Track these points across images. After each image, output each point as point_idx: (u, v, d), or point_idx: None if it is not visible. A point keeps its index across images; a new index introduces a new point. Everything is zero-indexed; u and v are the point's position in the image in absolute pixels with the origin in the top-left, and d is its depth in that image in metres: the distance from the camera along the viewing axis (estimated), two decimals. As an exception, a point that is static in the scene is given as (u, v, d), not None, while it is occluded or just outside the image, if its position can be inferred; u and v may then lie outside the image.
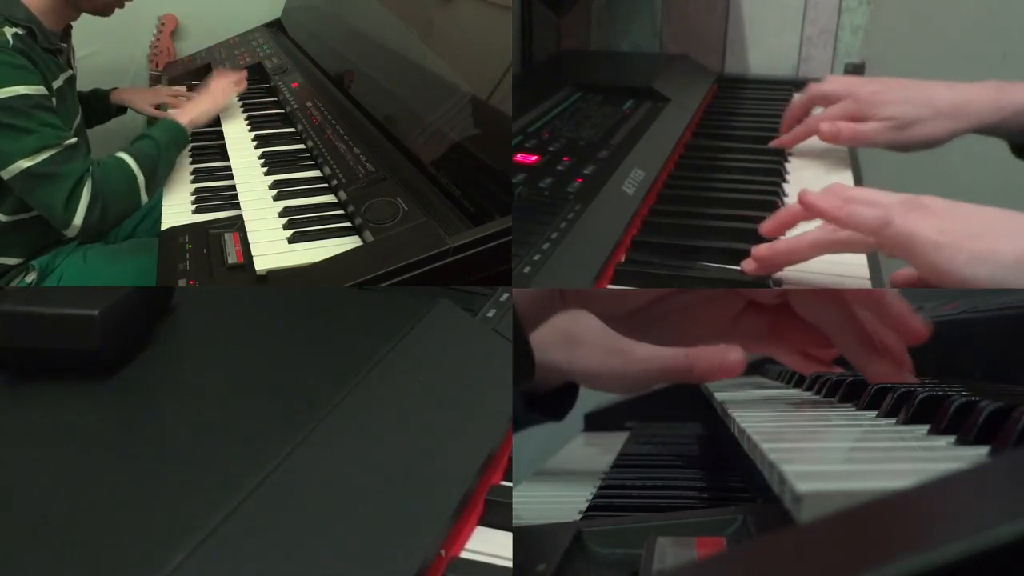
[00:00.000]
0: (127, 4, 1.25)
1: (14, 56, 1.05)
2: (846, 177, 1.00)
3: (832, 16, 1.56)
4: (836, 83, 1.02)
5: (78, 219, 1.06)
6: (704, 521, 0.51)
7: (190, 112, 1.26)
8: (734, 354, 0.69)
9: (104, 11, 1.23)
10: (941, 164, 1.05)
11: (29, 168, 1.04)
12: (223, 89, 1.36)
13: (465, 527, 0.55)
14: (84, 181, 1.06)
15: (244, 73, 1.47)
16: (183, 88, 1.67)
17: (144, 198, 1.12)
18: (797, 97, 1.07)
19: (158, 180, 1.14)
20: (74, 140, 1.08)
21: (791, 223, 0.72)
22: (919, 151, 0.94)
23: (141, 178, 1.10)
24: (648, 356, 0.71)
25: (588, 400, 1.34)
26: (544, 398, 0.88)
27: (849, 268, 0.74)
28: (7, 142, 1.04)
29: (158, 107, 1.52)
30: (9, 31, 1.06)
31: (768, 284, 0.72)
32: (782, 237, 0.72)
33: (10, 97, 1.03)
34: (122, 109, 1.53)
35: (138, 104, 1.52)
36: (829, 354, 0.75)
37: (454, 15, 1.17)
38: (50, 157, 1.04)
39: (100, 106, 1.49)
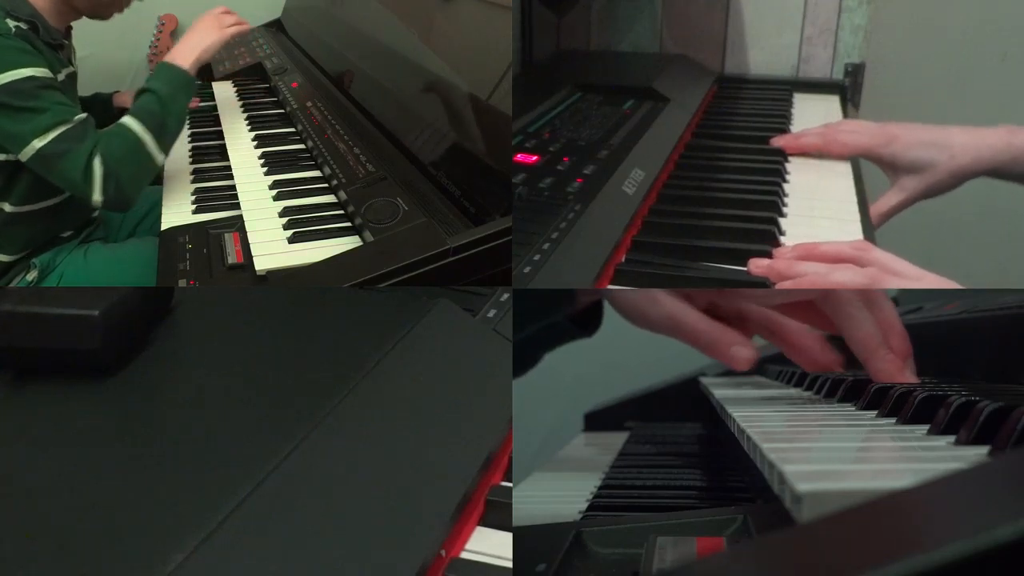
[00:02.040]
0: (126, 9, 1.25)
1: (16, 41, 1.05)
2: (846, 176, 1.00)
3: (832, 16, 1.56)
4: (854, 124, 1.05)
5: (97, 193, 1.04)
6: (704, 521, 0.51)
7: (191, 50, 1.15)
8: (745, 351, 0.70)
9: (101, 13, 1.23)
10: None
11: (41, 148, 1.03)
12: (225, 19, 1.22)
13: (465, 527, 0.55)
14: (94, 156, 1.04)
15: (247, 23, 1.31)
16: None
17: (159, 158, 1.07)
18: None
19: (169, 133, 1.09)
20: (84, 116, 1.06)
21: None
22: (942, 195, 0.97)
23: (149, 138, 1.06)
24: (672, 312, 0.72)
25: (588, 400, 1.34)
26: (574, 315, 0.88)
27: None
28: (20, 124, 1.03)
29: None
30: (12, 23, 1.06)
31: (768, 284, 0.72)
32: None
33: (16, 80, 1.03)
34: (124, 112, 1.52)
35: None
36: (835, 357, 0.77)
37: (454, 15, 1.17)
38: (62, 134, 1.03)
39: (101, 110, 1.49)
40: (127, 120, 1.08)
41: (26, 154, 1.04)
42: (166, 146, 1.09)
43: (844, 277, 0.66)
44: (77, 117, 1.06)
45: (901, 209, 0.97)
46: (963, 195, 0.98)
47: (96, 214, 1.31)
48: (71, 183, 1.06)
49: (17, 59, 1.04)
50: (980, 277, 0.66)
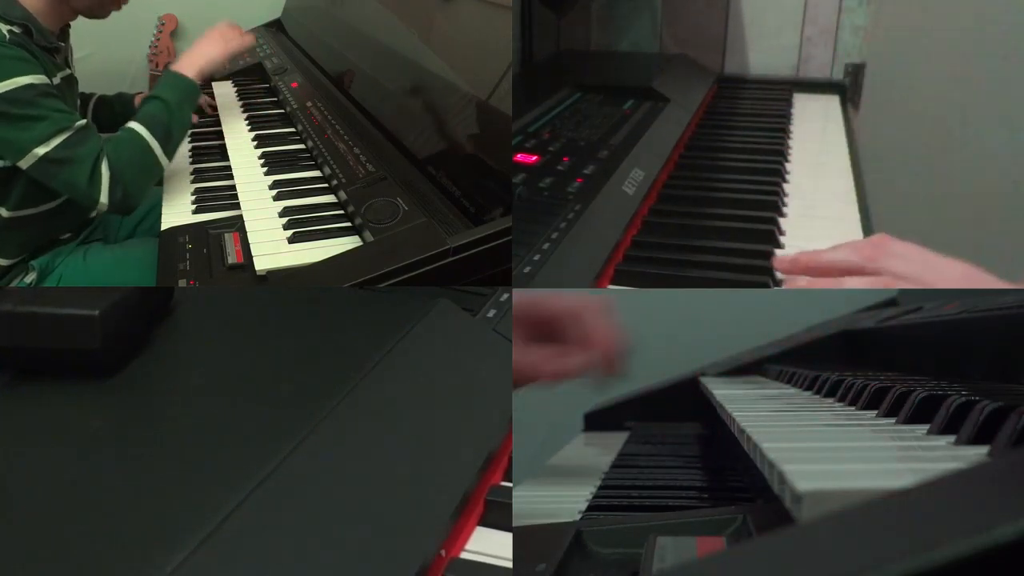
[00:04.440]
0: (124, 6, 1.25)
1: (12, 49, 1.05)
2: (846, 176, 1.00)
3: (832, 16, 1.56)
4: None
5: (104, 196, 1.06)
6: (704, 521, 0.51)
7: (197, 61, 1.20)
8: (573, 359, 0.73)
9: (99, 13, 1.23)
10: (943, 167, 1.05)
11: (46, 154, 1.04)
12: (229, 33, 1.28)
13: (465, 527, 0.55)
14: (100, 159, 1.05)
15: (251, 36, 1.38)
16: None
17: (164, 163, 1.11)
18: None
19: (174, 141, 1.12)
20: (84, 122, 1.08)
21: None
22: None
23: (155, 144, 1.09)
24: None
25: (588, 400, 1.34)
26: None
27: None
28: (19, 132, 1.04)
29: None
30: (4, 27, 1.06)
31: (768, 284, 0.72)
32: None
33: (15, 88, 1.03)
34: None
35: None
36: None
37: (454, 15, 1.17)
38: (64, 141, 1.04)
39: (124, 110, 1.49)
40: (134, 125, 1.10)
41: (27, 161, 1.05)
42: (171, 152, 1.12)
43: (857, 284, 0.65)
44: (77, 123, 1.06)
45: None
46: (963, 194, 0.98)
47: (94, 215, 1.31)
48: (75, 188, 1.07)
49: (15, 67, 1.04)
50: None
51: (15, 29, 1.08)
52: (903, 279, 0.63)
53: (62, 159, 1.05)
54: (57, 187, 1.09)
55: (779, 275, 0.72)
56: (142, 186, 1.10)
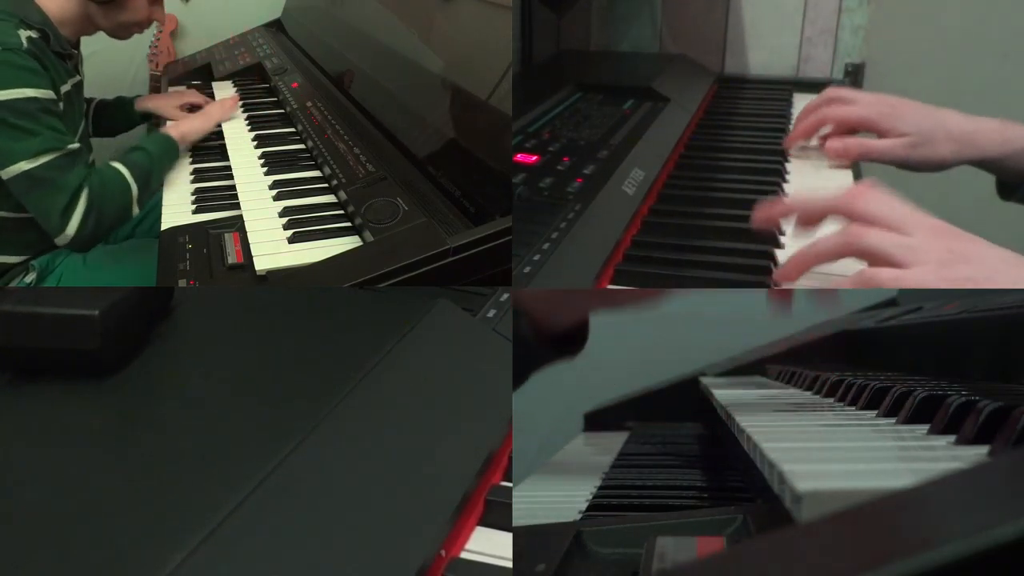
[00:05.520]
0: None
1: (25, 59, 1.05)
2: (846, 176, 1.00)
3: (832, 16, 1.56)
4: (853, 93, 1.03)
5: (71, 228, 1.06)
6: (704, 521, 0.51)
7: (182, 127, 1.26)
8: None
9: (121, 35, 1.24)
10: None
11: (29, 170, 1.04)
12: (217, 110, 1.36)
13: (465, 527, 0.55)
14: (82, 189, 1.06)
15: (235, 97, 1.47)
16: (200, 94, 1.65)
17: (136, 210, 1.13)
18: (814, 99, 1.06)
19: (150, 192, 1.15)
20: (76, 146, 1.08)
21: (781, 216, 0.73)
22: (924, 172, 0.95)
23: (135, 189, 1.11)
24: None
25: (588, 400, 1.34)
26: (557, 337, 0.84)
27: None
28: (10, 142, 1.04)
29: (187, 108, 1.50)
30: (24, 34, 1.07)
31: (769, 284, 0.72)
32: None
33: (18, 99, 1.03)
34: (147, 116, 1.52)
35: (164, 109, 1.49)
36: None
37: (454, 15, 1.17)
38: (51, 161, 1.05)
39: (124, 114, 1.49)
40: (119, 166, 1.12)
41: (9, 172, 1.05)
42: (143, 201, 1.14)
43: (827, 245, 0.65)
44: (69, 147, 1.07)
45: (883, 160, 0.96)
46: (960, 189, 0.98)
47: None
48: (44, 212, 1.07)
49: (22, 78, 1.04)
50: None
51: (33, 35, 1.08)
52: (875, 220, 0.63)
53: (43, 179, 1.05)
54: (29, 206, 1.09)
55: (775, 276, 0.72)
56: (112, 224, 1.12)
